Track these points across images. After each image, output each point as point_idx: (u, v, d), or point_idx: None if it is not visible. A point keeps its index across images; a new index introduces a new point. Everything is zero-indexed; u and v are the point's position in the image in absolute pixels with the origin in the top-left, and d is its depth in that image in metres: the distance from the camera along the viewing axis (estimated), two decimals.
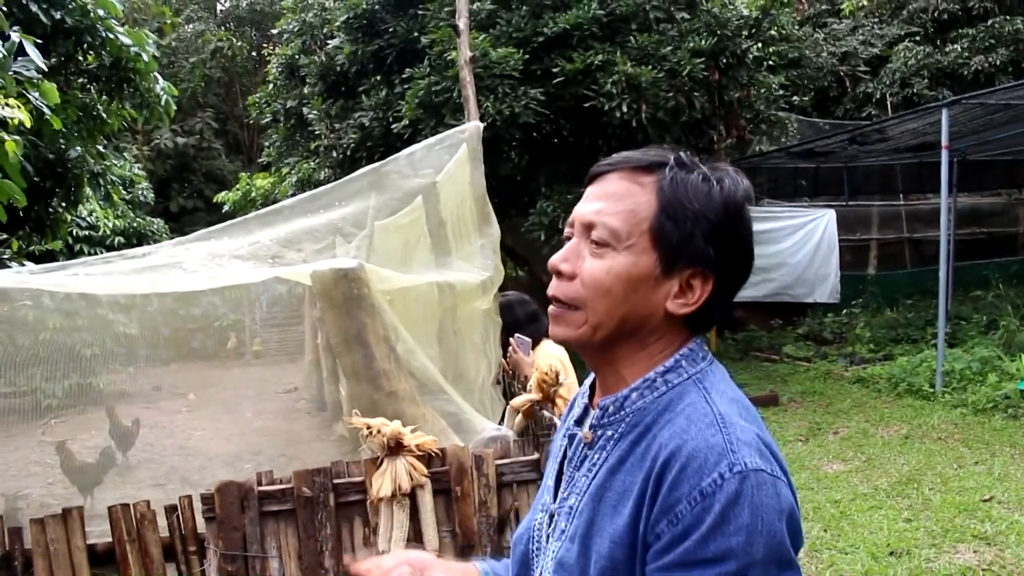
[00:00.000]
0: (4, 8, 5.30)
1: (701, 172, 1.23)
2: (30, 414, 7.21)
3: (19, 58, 5.16)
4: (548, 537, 1.31)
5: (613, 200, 1.23)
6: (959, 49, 15.94)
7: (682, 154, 1.25)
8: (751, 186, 1.27)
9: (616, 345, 1.25)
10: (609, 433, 1.25)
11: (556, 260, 1.26)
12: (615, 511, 1.18)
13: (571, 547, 1.22)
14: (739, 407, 1.21)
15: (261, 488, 3.31)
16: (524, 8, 10.32)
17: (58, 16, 6.48)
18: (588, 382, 1.40)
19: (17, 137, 4.94)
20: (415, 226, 5.12)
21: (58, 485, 6.98)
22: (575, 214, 1.28)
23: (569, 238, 1.28)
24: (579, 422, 1.36)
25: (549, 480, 1.38)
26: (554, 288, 1.27)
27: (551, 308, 1.28)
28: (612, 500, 1.19)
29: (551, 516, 1.32)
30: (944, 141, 9.27)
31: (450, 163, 4.85)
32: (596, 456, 1.25)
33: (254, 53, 26.56)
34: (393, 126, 10.07)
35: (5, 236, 7.60)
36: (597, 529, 1.19)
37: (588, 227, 1.24)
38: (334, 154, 11.45)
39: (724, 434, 1.13)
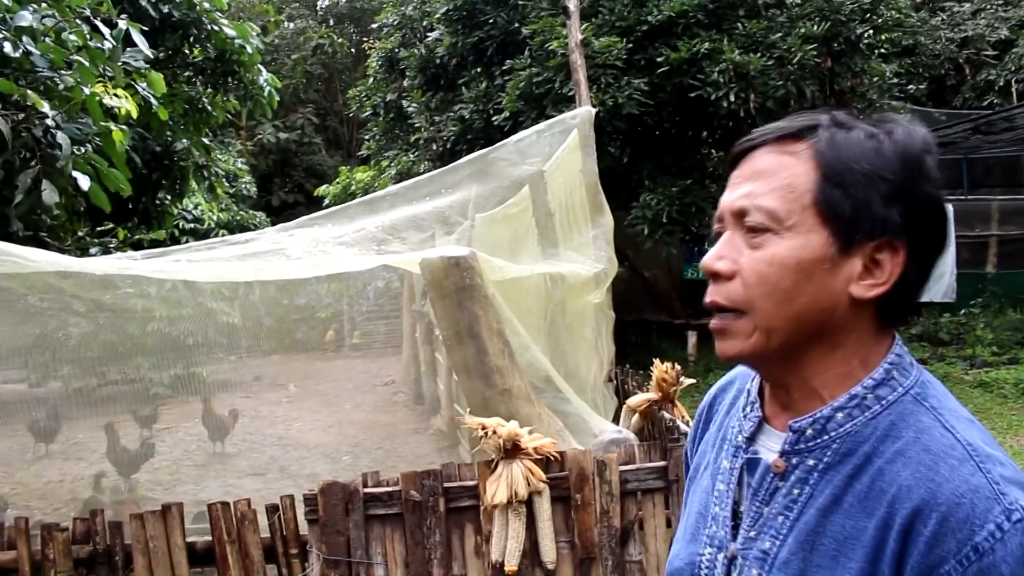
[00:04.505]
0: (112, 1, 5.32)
1: (863, 129, 1.04)
2: (138, 402, 7.32)
3: (127, 49, 5.18)
4: None
5: (764, 178, 1.04)
6: None
7: (837, 113, 1.06)
8: (931, 136, 1.04)
9: (800, 351, 1.04)
10: (811, 463, 1.03)
11: (709, 260, 1.05)
12: (835, 563, 0.99)
13: None
14: (978, 429, 1.01)
15: (367, 490, 3.14)
16: None
17: (166, 10, 6.57)
18: (750, 384, 1.15)
19: (124, 127, 4.95)
20: (522, 216, 4.91)
21: (163, 471, 7.07)
22: (722, 205, 1.08)
23: (719, 236, 1.08)
24: (751, 439, 1.11)
25: (717, 508, 1.13)
26: (713, 293, 1.06)
27: (713, 323, 1.07)
28: (829, 550, 1.00)
29: (731, 558, 1.09)
30: None
31: (559, 150, 4.65)
32: (796, 491, 1.04)
33: (353, 49, 26.98)
34: (494, 118, 9.96)
35: (111, 225, 7.74)
36: None
37: (740, 215, 1.04)
38: (434, 147, 11.42)
39: (984, 472, 0.95)
